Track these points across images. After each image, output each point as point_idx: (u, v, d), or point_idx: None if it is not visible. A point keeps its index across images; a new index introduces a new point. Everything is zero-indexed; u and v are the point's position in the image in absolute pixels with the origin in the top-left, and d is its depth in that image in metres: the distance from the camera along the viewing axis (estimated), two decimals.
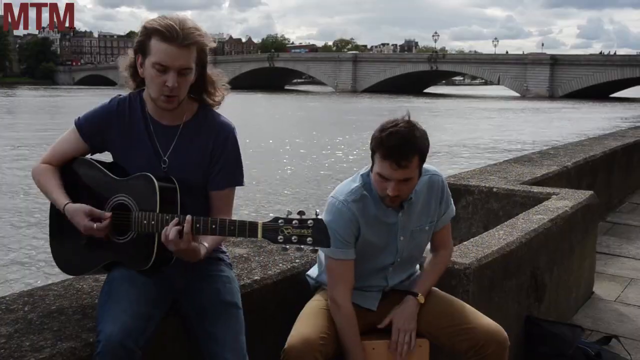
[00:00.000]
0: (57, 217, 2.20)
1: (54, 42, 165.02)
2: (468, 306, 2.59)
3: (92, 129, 2.20)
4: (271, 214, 1.93)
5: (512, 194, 4.84)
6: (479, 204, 4.98)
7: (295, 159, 21.12)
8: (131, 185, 2.11)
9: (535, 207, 4.23)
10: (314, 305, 2.53)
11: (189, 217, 1.96)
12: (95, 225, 2.06)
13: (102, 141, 2.22)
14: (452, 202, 2.65)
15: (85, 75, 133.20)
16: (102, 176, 2.17)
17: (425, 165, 2.43)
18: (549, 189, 4.84)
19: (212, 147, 2.19)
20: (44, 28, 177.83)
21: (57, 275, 2.36)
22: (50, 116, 41.05)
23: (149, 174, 2.08)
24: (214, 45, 2.18)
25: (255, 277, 2.57)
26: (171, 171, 2.16)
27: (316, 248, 1.84)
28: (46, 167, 2.24)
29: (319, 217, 1.83)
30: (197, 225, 1.97)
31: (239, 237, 1.97)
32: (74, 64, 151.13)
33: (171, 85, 2.05)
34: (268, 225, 1.84)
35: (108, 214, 2.08)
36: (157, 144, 2.18)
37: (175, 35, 2.02)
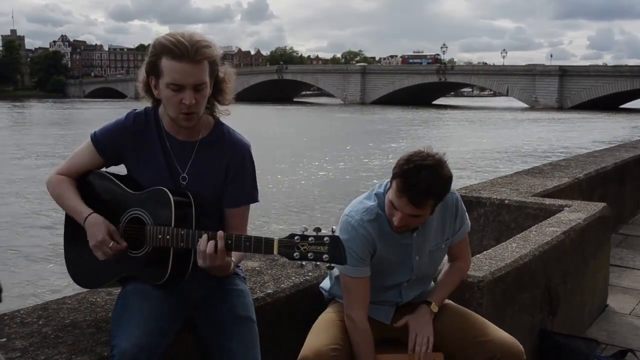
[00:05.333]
0: (73, 230, 2.20)
1: (64, 55, 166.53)
2: (483, 319, 2.57)
3: (107, 143, 2.20)
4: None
5: (523, 206, 4.82)
6: (491, 216, 4.96)
7: (313, 172, 21.14)
8: (146, 199, 2.11)
9: (548, 219, 4.20)
10: (327, 318, 2.53)
11: (220, 232, 1.96)
12: (111, 243, 2.06)
13: (118, 155, 2.22)
14: (467, 217, 2.64)
15: (96, 88, 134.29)
16: (117, 190, 2.17)
17: None
18: (561, 201, 4.82)
19: (227, 165, 2.18)
20: (54, 41, 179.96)
21: (70, 285, 2.35)
22: (62, 128, 41.38)
23: (164, 188, 2.07)
24: (221, 53, 2.15)
25: (269, 291, 2.56)
26: (190, 188, 2.15)
27: (333, 265, 1.83)
28: (62, 178, 2.23)
29: (336, 234, 1.82)
30: (231, 242, 1.97)
31: (255, 253, 1.96)
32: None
33: (188, 103, 2.04)
34: (284, 241, 1.84)
35: (125, 244, 2.08)
36: (173, 160, 2.17)
37: (186, 52, 2.00)
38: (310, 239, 1.81)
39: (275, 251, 1.84)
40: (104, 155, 2.21)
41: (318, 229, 1.82)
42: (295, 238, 1.82)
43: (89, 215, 2.11)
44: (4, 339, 2.02)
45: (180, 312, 2.13)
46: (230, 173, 2.19)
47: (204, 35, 2.09)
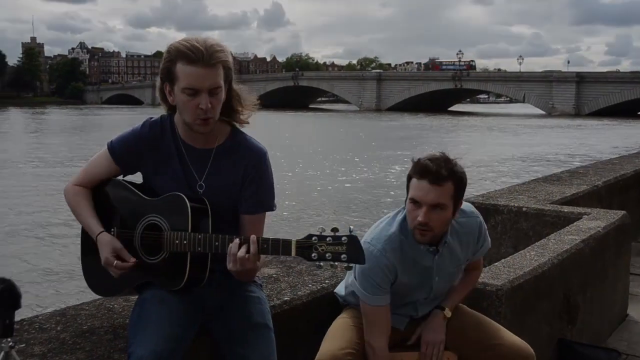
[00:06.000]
0: (89, 239, 2.22)
1: (82, 62, 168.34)
2: (495, 323, 2.59)
3: (124, 152, 2.21)
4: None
5: (542, 214, 4.77)
6: (508, 223, 4.92)
7: (335, 178, 21.17)
8: (162, 205, 2.11)
9: (567, 227, 4.16)
10: (342, 322, 2.53)
11: (253, 237, 1.95)
12: (115, 262, 2.08)
13: (134, 164, 2.22)
14: (488, 235, 2.63)
15: (113, 95, 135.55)
16: (134, 197, 2.18)
17: (463, 207, 2.43)
18: (579, 209, 4.76)
19: (244, 172, 2.18)
20: (73, 48, 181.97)
21: (85, 291, 2.35)
22: (85, 134, 41.81)
23: (180, 193, 2.08)
24: (231, 58, 2.16)
25: (285, 298, 2.56)
26: (207, 196, 2.15)
27: (351, 265, 1.82)
28: (79, 190, 2.24)
29: (353, 233, 1.81)
30: (230, 244, 1.97)
31: (272, 254, 1.95)
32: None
33: (205, 107, 2.04)
34: (301, 242, 1.83)
35: (133, 260, 2.09)
36: (190, 168, 2.17)
37: (201, 56, 2.01)
38: (328, 239, 1.80)
39: (293, 252, 1.84)
40: (121, 164, 2.22)
41: (335, 229, 1.81)
42: (313, 239, 1.81)
43: (99, 234, 2.14)
44: (23, 345, 2.03)
45: (196, 319, 2.13)
46: (246, 179, 2.18)
47: (218, 40, 2.11)
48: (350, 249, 1.79)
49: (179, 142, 2.19)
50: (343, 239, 1.79)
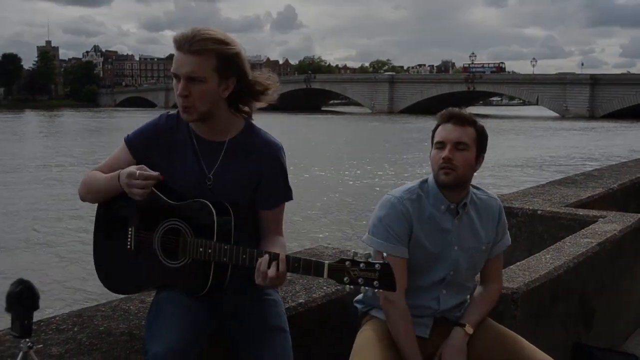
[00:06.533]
0: (104, 236, 2.21)
1: (97, 65, 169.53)
2: (519, 337, 2.51)
3: (140, 143, 2.19)
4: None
5: (557, 217, 4.74)
6: (523, 226, 4.89)
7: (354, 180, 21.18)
8: (186, 211, 2.07)
9: (582, 230, 4.13)
10: (367, 337, 2.46)
11: (282, 256, 1.93)
12: (138, 173, 2.02)
13: (149, 155, 2.18)
14: (508, 232, 2.62)
15: (126, 98, 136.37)
16: (155, 199, 2.12)
17: (483, 189, 2.55)
18: (595, 212, 4.73)
19: (258, 167, 2.16)
20: (87, 52, 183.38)
21: (98, 292, 2.36)
22: (103, 135, 42.14)
23: (206, 202, 2.04)
24: (236, 51, 2.08)
25: (300, 300, 2.56)
26: (216, 189, 2.12)
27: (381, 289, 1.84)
28: (94, 171, 2.22)
29: (387, 262, 1.82)
30: (259, 259, 1.95)
31: (303, 274, 1.97)
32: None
33: (178, 93, 2.02)
34: (334, 266, 1.83)
35: (157, 173, 2.05)
36: (201, 161, 2.15)
37: (184, 42, 1.99)
38: (361, 265, 1.80)
39: (325, 275, 1.84)
40: (136, 155, 2.17)
41: (368, 255, 1.82)
42: (347, 263, 1.81)
43: (119, 173, 2.08)
44: (41, 345, 2.05)
45: (212, 320, 2.14)
46: (263, 176, 2.16)
47: (223, 32, 2.07)
48: (382, 276, 1.80)
49: (191, 134, 2.17)
50: (376, 266, 1.80)
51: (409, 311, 2.41)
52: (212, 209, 2.03)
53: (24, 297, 1.71)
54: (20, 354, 1.71)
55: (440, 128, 2.42)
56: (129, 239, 2.15)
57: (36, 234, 13.61)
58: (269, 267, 1.92)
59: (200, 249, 2.01)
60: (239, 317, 2.16)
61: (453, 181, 2.38)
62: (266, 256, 1.94)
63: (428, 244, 2.43)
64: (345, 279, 1.81)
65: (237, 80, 2.10)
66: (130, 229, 2.15)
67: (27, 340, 1.72)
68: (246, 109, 2.22)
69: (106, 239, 2.22)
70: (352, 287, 1.82)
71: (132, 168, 2.05)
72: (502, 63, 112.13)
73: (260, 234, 2.23)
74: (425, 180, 2.50)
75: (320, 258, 3.17)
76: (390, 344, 2.41)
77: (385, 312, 2.42)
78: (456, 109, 2.45)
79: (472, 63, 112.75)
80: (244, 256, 1.97)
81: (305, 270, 1.90)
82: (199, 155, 2.15)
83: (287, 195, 2.24)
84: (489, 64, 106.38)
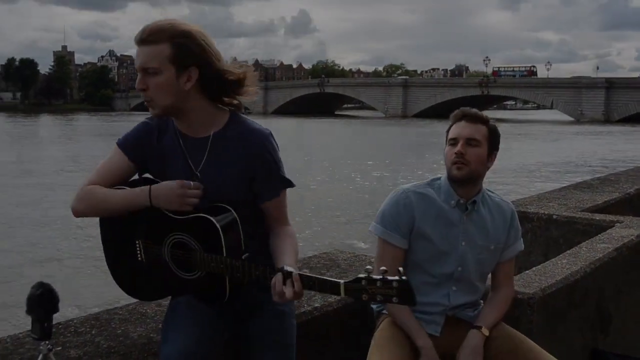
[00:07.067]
0: (115, 249, 2.14)
1: (112, 69, 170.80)
2: (534, 344, 2.50)
3: (133, 143, 2.10)
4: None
5: (573, 222, 4.71)
6: (538, 231, 4.86)
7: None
8: (190, 226, 1.98)
9: (599, 235, 4.10)
10: (382, 336, 2.47)
11: (296, 275, 1.85)
12: (191, 184, 1.97)
13: (143, 155, 2.09)
14: (521, 237, 2.64)
15: (141, 102, 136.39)
16: (158, 213, 2.02)
17: (497, 193, 2.60)
18: (611, 217, 4.69)
19: (247, 158, 2.05)
20: (102, 56, 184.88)
21: (116, 295, 2.37)
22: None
23: (210, 218, 1.94)
24: (194, 39, 1.96)
25: (316, 305, 2.56)
26: (205, 187, 2.03)
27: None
28: (92, 186, 2.06)
29: (404, 277, 1.75)
30: (273, 278, 1.89)
31: (320, 292, 1.96)
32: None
33: (136, 87, 1.99)
34: (350, 285, 1.78)
35: (198, 183, 2.00)
36: (188, 160, 2.06)
37: (139, 35, 1.94)
38: (378, 283, 1.75)
39: (342, 294, 1.79)
40: (131, 156, 2.08)
41: (385, 271, 1.76)
42: (363, 282, 1.76)
43: (149, 187, 1.98)
44: (59, 348, 2.07)
45: (228, 325, 2.13)
46: (252, 167, 2.05)
47: (184, 21, 1.99)
48: (401, 291, 1.74)
49: (177, 133, 2.09)
50: (394, 283, 1.75)
51: None
52: (217, 227, 1.93)
53: (44, 299, 1.73)
54: (40, 356, 1.73)
55: (453, 126, 2.49)
56: (139, 251, 2.07)
57: (59, 237, 13.71)
58: (284, 285, 1.85)
59: (212, 264, 1.95)
60: (247, 326, 2.13)
61: (465, 176, 2.44)
62: (279, 275, 1.87)
63: (434, 237, 2.47)
64: (363, 296, 1.76)
65: (200, 71, 1.98)
66: (137, 242, 2.07)
67: (47, 342, 1.74)
68: (235, 102, 2.11)
69: (116, 252, 2.14)
70: (371, 303, 1.79)
71: (178, 181, 1.98)
72: (533, 66, 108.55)
73: (268, 226, 2.15)
74: (438, 178, 2.56)
75: (336, 263, 3.20)
76: (406, 342, 2.42)
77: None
78: (468, 108, 2.52)
79: (502, 67, 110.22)
80: (257, 273, 1.91)
81: (321, 289, 1.85)
82: (186, 153, 2.07)
83: (285, 182, 2.13)
84: (519, 67, 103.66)
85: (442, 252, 2.49)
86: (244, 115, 2.12)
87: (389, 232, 2.48)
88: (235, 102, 2.11)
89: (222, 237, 1.93)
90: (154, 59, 1.94)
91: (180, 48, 1.94)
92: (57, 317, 1.82)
